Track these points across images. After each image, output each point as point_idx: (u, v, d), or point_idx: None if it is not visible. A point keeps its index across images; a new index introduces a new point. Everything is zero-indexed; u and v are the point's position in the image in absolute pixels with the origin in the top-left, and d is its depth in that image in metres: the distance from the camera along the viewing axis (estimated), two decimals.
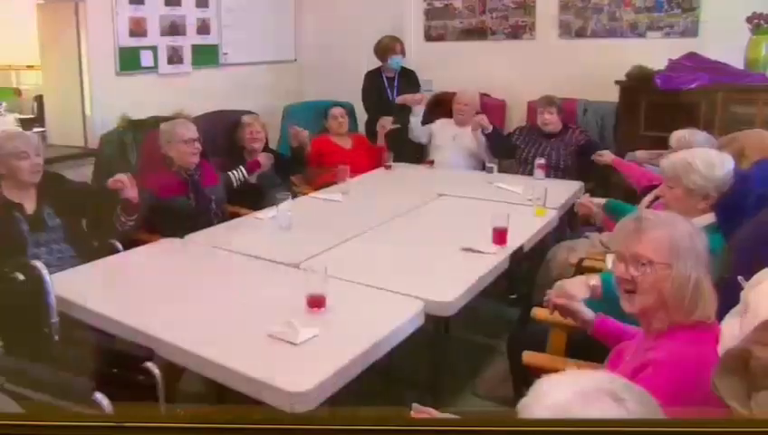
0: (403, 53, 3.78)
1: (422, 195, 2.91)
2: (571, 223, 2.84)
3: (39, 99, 3.94)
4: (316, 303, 1.78)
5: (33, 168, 2.33)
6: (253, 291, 1.93)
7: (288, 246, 2.25)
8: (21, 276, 2.07)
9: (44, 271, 1.97)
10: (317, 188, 3.12)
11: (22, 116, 4.01)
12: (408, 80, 3.82)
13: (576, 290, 1.71)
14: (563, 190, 2.92)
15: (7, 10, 3.87)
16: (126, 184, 2.35)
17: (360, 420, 0.82)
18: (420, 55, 4.20)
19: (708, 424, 0.82)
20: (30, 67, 3.99)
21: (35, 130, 3.66)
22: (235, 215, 2.73)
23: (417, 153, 3.62)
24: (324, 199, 2.85)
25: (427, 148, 3.63)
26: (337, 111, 3.57)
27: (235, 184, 3.03)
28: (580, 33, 3.84)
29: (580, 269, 2.18)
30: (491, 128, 3.39)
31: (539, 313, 1.85)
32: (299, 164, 3.31)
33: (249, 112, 3.40)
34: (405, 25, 4.23)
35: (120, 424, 0.84)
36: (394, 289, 1.88)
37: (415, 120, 3.59)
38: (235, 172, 3.04)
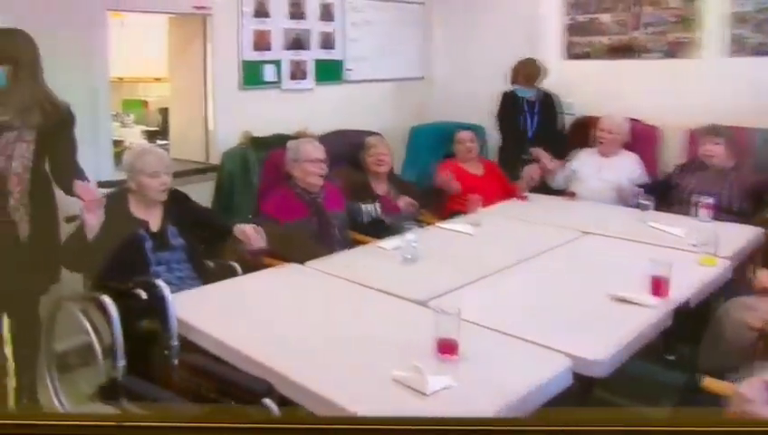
0: (534, 79, 3.66)
1: (563, 232, 2.81)
2: (744, 276, 2.59)
3: (164, 112, 4.26)
4: (448, 348, 1.74)
5: (162, 186, 2.49)
6: (375, 327, 1.94)
7: (414, 281, 2.25)
8: (143, 295, 2.23)
9: (167, 291, 2.10)
10: (444, 217, 3.10)
11: (147, 128, 4.35)
12: (548, 104, 3.71)
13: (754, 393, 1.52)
14: (737, 236, 2.69)
15: (143, 23, 4.25)
16: (251, 236, 2.42)
17: (360, 420, 0.83)
18: (561, 75, 4.07)
19: (709, 424, 0.84)
20: (157, 80, 4.34)
21: (159, 142, 3.97)
22: (357, 242, 2.78)
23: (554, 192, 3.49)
24: (453, 231, 2.83)
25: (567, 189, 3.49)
26: (465, 135, 3.54)
27: (365, 220, 3.03)
28: (760, 51, 3.54)
29: (765, 337, 1.97)
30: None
31: (711, 384, 1.68)
32: (436, 202, 3.29)
33: (373, 133, 3.46)
34: (544, 42, 4.13)
35: (120, 424, 0.89)
36: (534, 340, 1.80)
37: (555, 178, 3.45)
38: (368, 207, 3.05)
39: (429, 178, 3.39)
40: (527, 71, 3.67)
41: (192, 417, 0.99)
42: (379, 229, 3.01)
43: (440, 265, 2.42)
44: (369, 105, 4.12)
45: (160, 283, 2.15)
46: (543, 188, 3.48)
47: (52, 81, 2.47)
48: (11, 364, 2.46)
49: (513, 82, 3.72)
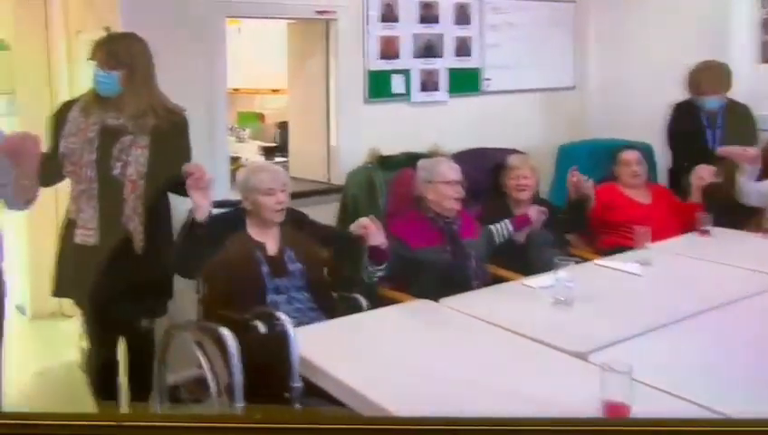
0: (722, 87, 3.38)
1: (756, 277, 2.57)
2: None
3: (282, 126, 4.40)
4: (617, 414, 1.60)
5: (278, 205, 2.52)
6: (522, 381, 1.85)
7: (569, 329, 2.14)
8: (262, 327, 2.25)
9: (289, 326, 2.10)
10: (603, 252, 2.95)
11: (264, 144, 4.50)
12: (737, 117, 3.41)
13: None
14: None
15: (260, 30, 4.42)
16: (370, 229, 2.42)
17: (360, 420, 0.88)
18: (755, 83, 3.74)
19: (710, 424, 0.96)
20: (275, 91, 4.50)
21: (277, 159, 4.08)
22: (497, 278, 2.70)
23: (745, 215, 3.19)
24: (617, 270, 2.67)
25: (764, 211, 3.18)
26: (630, 155, 3.34)
27: (497, 241, 2.97)
28: None
29: None
30: None
31: None
32: (578, 220, 3.14)
33: (516, 152, 3.35)
34: (730, 43, 3.83)
35: (121, 424, 0.95)
36: (723, 410, 1.61)
37: (745, 180, 3.15)
38: (498, 227, 2.98)
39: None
40: (713, 77, 3.39)
41: (192, 417, 1.07)
42: (521, 257, 2.89)
43: (601, 311, 2.29)
44: (511, 120, 4.03)
45: (283, 316, 2.17)
46: (728, 212, 3.17)
47: (167, 91, 2.59)
48: (124, 393, 2.56)
49: (694, 90, 3.44)
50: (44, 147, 2.42)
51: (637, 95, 4.07)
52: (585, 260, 2.84)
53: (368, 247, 2.46)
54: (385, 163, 3.19)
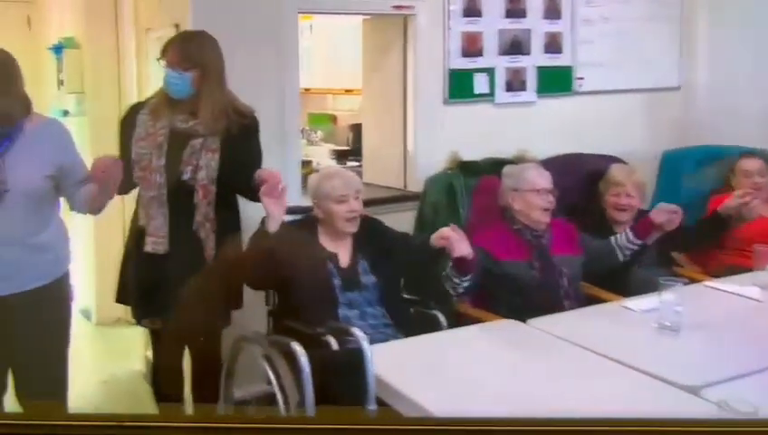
0: None
1: None
2: None
3: (355, 128, 4.41)
4: None
5: (350, 213, 2.51)
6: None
7: (678, 359, 2.05)
8: (334, 344, 2.24)
9: (366, 343, 2.09)
10: (716, 273, 2.81)
11: (336, 147, 4.52)
12: None
13: None
14: None
15: (333, 27, 4.44)
16: (453, 239, 2.37)
17: (360, 420, 0.93)
18: None
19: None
20: (348, 91, 4.52)
21: (350, 163, 4.07)
22: (593, 299, 2.61)
23: None
24: (732, 294, 2.55)
25: None
26: (751, 164, 3.17)
27: (620, 256, 2.74)
28: None
29: None
30: None
31: None
32: (700, 243, 2.94)
33: (615, 159, 3.23)
34: None
35: (121, 424, 0.99)
36: None
37: None
38: (619, 239, 2.77)
39: (691, 220, 3.04)
40: None
41: (192, 417, 1.10)
42: (620, 275, 2.77)
43: (714, 340, 2.19)
44: (607, 123, 3.90)
45: (358, 332, 2.15)
46: None
47: (237, 91, 2.61)
48: (190, 406, 2.58)
49: None
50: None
51: (752, 96, 3.88)
52: (694, 281, 2.71)
53: (452, 259, 2.42)
54: (467, 169, 3.14)
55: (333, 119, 4.84)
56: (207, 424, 1.05)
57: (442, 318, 2.43)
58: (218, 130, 2.45)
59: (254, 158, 2.55)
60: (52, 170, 2.30)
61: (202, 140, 2.44)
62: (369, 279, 2.52)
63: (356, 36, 3.94)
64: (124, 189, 2.55)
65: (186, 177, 2.43)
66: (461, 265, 2.41)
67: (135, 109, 2.54)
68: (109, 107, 4.17)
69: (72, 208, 2.40)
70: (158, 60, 2.51)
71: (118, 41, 4.15)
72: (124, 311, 4.15)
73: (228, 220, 2.53)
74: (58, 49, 4.32)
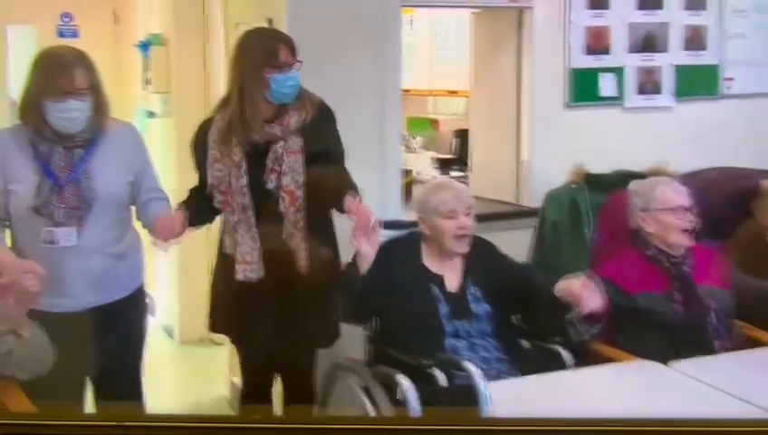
0: None
1: None
2: None
3: (460, 134, 4.38)
4: None
5: (460, 231, 2.46)
6: None
7: None
8: (443, 378, 2.18)
9: (479, 379, 2.04)
10: None
11: (438, 155, 4.48)
12: None
13: None
14: None
15: (438, 22, 4.41)
16: (579, 297, 2.23)
17: (359, 420, 1.08)
18: None
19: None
20: (452, 93, 4.48)
21: (453, 174, 4.02)
22: (754, 341, 2.46)
23: None
24: None
25: None
26: None
27: None
28: None
29: None
30: None
31: None
32: None
33: None
34: None
35: (121, 424, 1.06)
36: None
37: None
38: None
39: None
40: None
41: (192, 417, 1.24)
42: None
43: None
44: (763, 132, 3.70)
45: (472, 368, 2.10)
46: None
47: (332, 92, 2.59)
48: None
49: None
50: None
51: None
52: None
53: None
54: (593, 183, 3.03)
55: (435, 123, 4.83)
56: (207, 424, 1.11)
57: (566, 355, 2.35)
58: (296, 128, 2.44)
59: (337, 153, 2.53)
60: (131, 176, 2.41)
61: (283, 142, 2.43)
62: (480, 308, 2.46)
63: (463, 32, 3.89)
64: (204, 218, 2.57)
65: (270, 185, 2.43)
66: (590, 316, 2.31)
67: (203, 128, 2.52)
68: (195, 108, 4.26)
69: (137, 218, 2.49)
70: (261, 66, 2.40)
71: (205, 37, 4.26)
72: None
73: (322, 230, 2.52)
74: (145, 46, 4.47)
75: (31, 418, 1.17)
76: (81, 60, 2.32)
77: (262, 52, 2.41)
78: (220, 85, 4.16)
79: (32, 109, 2.28)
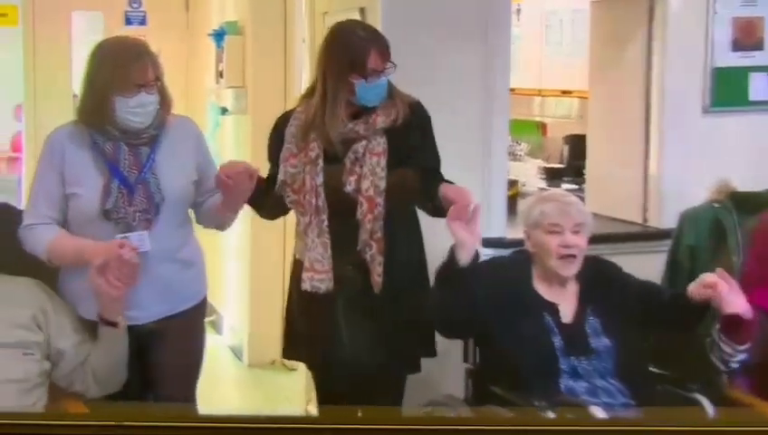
0: None
1: None
2: None
3: (572, 140, 4.29)
4: None
5: (563, 250, 2.41)
6: None
7: None
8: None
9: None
10: None
11: (546, 164, 4.40)
12: None
13: None
14: None
15: (548, 12, 4.34)
16: (721, 290, 2.23)
17: (359, 420, 1.16)
18: None
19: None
20: (565, 93, 4.40)
21: (565, 186, 3.92)
22: None
23: None
24: None
25: None
26: None
27: None
28: None
29: None
30: None
31: None
32: None
33: None
34: None
35: (121, 424, 1.13)
36: None
37: None
38: None
39: None
40: None
41: (192, 417, 1.33)
42: None
43: None
44: None
45: (599, 413, 2.06)
46: None
47: (428, 90, 2.57)
48: None
49: None
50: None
51: None
52: None
53: (722, 317, 2.26)
54: (742, 203, 2.88)
55: (542, 127, 4.77)
56: (208, 424, 1.19)
57: (707, 404, 2.23)
58: (381, 127, 2.42)
59: (432, 158, 2.52)
60: (196, 175, 2.44)
61: (365, 142, 2.42)
62: (601, 342, 2.39)
63: (580, 23, 3.85)
64: (273, 214, 2.61)
65: (348, 188, 2.42)
66: (734, 327, 2.24)
67: (283, 120, 2.55)
68: (273, 105, 4.29)
69: (197, 221, 2.52)
70: (347, 72, 2.39)
71: (286, 26, 4.28)
72: (280, 352, 4.28)
73: (405, 240, 2.50)
74: (219, 35, 4.52)
75: (31, 418, 1.24)
76: (147, 50, 2.36)
77: (350, 57, 2.40)
78: (301, 80, 4.20)
79: (98, 105, 2.30)
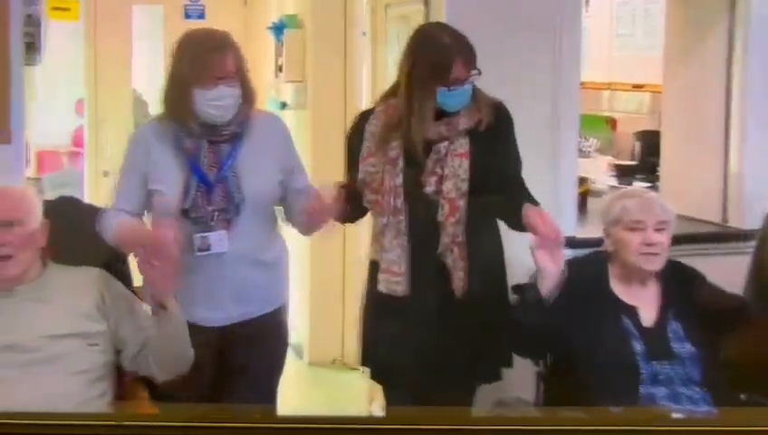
0: None
1: None
2: None
3: (644, 136, 4.21)
4: None
5: (645, 248, 2.37)
6: None
7: None
8: None
9: None
10: None
11: (617, 161, 4.34)
12: None
13: None
14: None
15: (622, 0, 4.25)
16: None
17: (359, 420, 1.20)
18: None
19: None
20: (636, 87, 4.32)
21: (636, 184, 3.87)
22: None
23: None
24: None
25: None
26: None
27: None
28: None
29: None
30: None
31: None
32: None
33: None
34: None
35: (120, 424, 1.16)
36: None
37: None
38: None
39: None
40: None
41: (192, 417, 1.28)
42: None
43: None
44: None
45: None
46: None
47: (497, 84, 2.52)
48: None
49: None
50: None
51: None
52: None
53: None
54: None
55: (612, 123, 4.68)
56: (207, 424, 1.20)
57: None
58: (464, 127, 2.40)
59: (514, 161, 2.49)
60: (281, 175, 2.41)
61: (447, 143, 2.39)
62: (684, 348, 2.34)
63: (654, 13, 3.80)
64: (352, 218, 2.58)
65: (428, 189, 2.39)
66: None
67: (362, 118, 2.53)
68: (333, 99, 4.30)
69: (286, 221, 2.50)
70: (430, 81, 2.36)
71: (346, 19, 4.26)
72: (341, 351, 4.28)
73: (486, 246, 2.46)
74: (278, 29, 4.52)
75: (29, 418, 1.24)
76: (229, 42, 2.33)
77: (433, 67, 2.37)
78: (362, 75, 4.18)
79: (178, 99, 2.30)
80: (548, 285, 2.27)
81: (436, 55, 2.39)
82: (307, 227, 2.42)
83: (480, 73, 2.39)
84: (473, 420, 1.25)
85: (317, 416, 1.31)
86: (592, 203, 3.52)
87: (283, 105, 4.52)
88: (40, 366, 2.11)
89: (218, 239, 2.27)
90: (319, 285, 4.18)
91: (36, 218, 2.20)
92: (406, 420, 1.21)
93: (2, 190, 2.35)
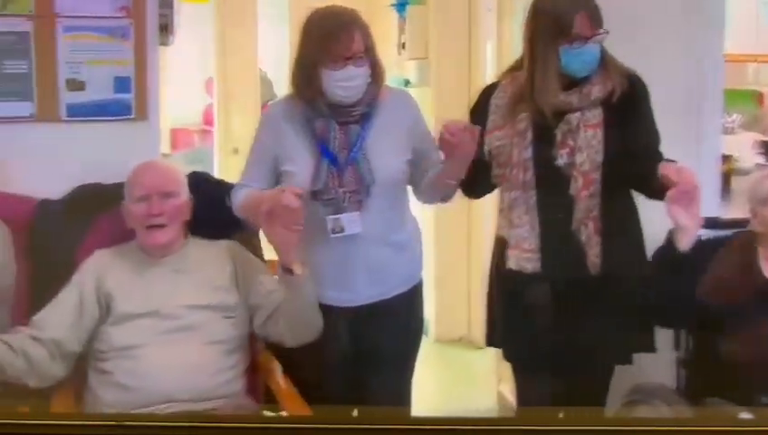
0: None
1: None
2: None
3: None
4: None
5: None
6: None
7: None
8: None
9: None
10: None
11: (765, 138, 4.15)
12: None
13: None
14: None
15: None
16: None
17: (359, 419, 1.15)
18: None
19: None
20: None
21: None
22: None
23: None
24: None
25: None
26: None
27: None
28: None
29: None
30: None
31: None
32: None
33: None
34: None
35: (121, 424, 1.18)
36: None
37: None
38: None
39: None
40: None
41: (192, 417, 1.36)
42: None
43: None
44: None
45: None
46: None
47: (633, 54, 2.46)
48: None
49: None
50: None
51: None
52: None
53: None
54: None
55: (758, 97, 4.48)
56: (208, 423, 1.22)
57: None
58: (597, 98, 2.33)
59: (650, 134, 2.40)
60: (410, 154, 2.39)
61: (579, 114, 2.33)
62: None
63: None
64: (479, 192, 2.56)
65: (560, 161, 2.33)
66: None
67: (487, 92, 2.48)
68: (457, 77, 4.29)
69: (417, 199, 2.48)
70: (552, 38, 2.31)
71: None
72: (468, 329, 4.28)
73: (620, 219, 2.39)
74: (401, 5, 4.52)
75: (28, 417, 1.26)
76: (357, 20, 2.30)
77: (554, 21, 2.30)
78: (486, 51, 4.14)
79: (306, 79, 2.30)
80: (685, 243, 2.19)
81: (556, 9, 2.32)
82: (443, 174, 2.31)
83: (607, 33, 2.30)
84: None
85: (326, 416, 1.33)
86: (737, 182, 3.42)
87: (407, 83, 4.52)
88: (179, 334, 2.22)
89: (351, 221, 2.28)
90: (445, 263, 4.19)
91: (186, 191, 2.33)
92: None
93: (159, 164, 2.49)
